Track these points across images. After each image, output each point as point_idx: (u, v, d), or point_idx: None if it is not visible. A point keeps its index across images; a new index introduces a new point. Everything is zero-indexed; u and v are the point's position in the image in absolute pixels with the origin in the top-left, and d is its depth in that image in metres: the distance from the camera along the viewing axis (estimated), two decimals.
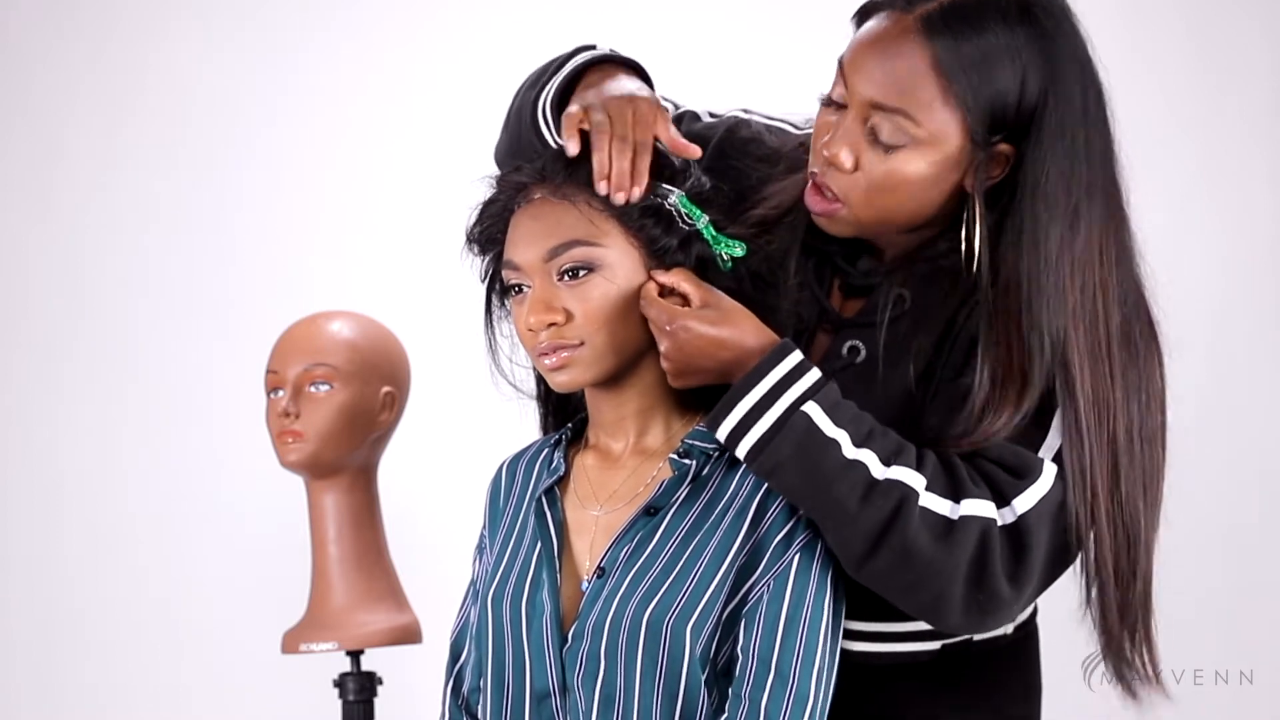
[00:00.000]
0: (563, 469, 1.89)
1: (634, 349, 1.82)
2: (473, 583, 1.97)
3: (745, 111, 2.12)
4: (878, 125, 1.82)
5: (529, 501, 1.90)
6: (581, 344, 1.80)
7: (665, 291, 1.81)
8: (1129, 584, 1.85)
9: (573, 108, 1.86)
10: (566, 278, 1.80)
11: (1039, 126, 1.81)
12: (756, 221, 1.93)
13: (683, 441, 1.84)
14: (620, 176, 1.80)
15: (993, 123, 1.80)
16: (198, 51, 3.74)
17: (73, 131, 3.75)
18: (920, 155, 1.82)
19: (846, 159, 1.84)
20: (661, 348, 1.80)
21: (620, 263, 1.81)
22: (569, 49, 2.02)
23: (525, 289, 1.83)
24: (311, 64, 3.74)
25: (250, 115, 3.73)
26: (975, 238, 1.83)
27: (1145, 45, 3.52)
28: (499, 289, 1.93)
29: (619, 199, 1.80)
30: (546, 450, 1.93)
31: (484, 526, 1.97)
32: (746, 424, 1.77)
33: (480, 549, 1.97)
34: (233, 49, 3.73)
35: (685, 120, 2.11)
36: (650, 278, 1.82)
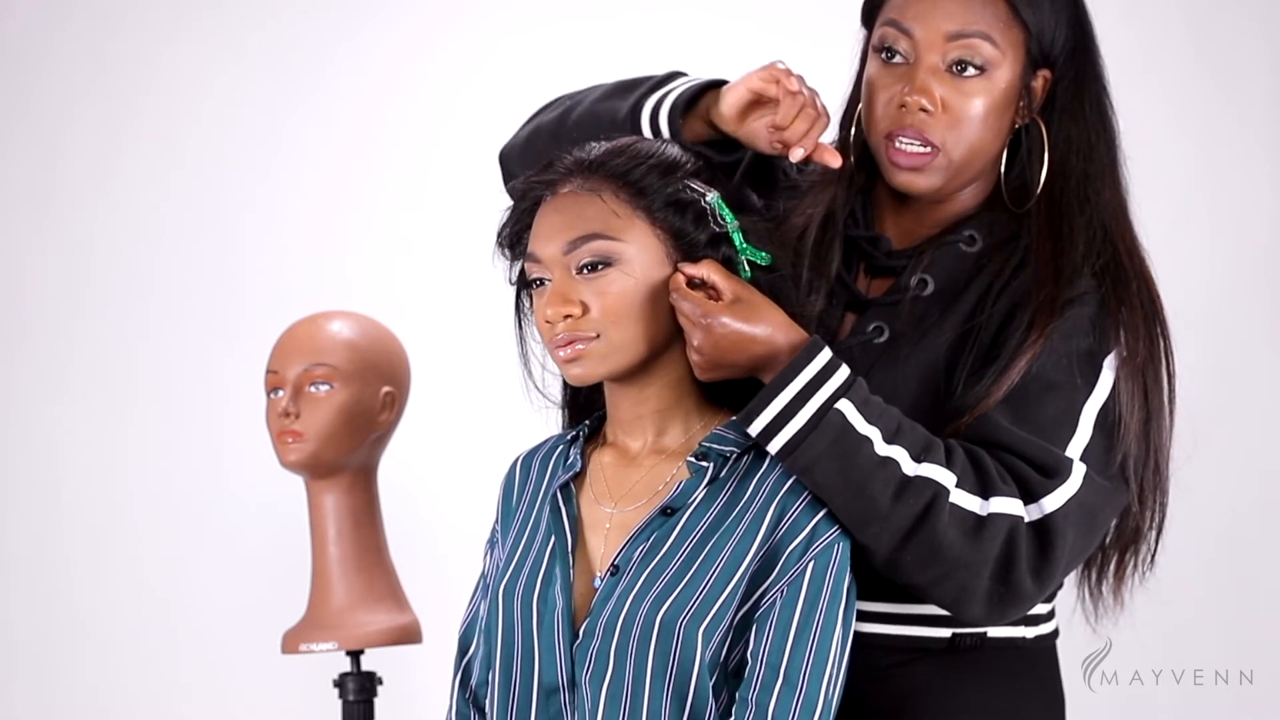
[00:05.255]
0: (579, 465, 1.88)
1: (650, 344, 1.81)
2: (483, 576, 1.96)
3: None
4: (958, 56, 1.92)
5: (544, 496, 1.89)
6: (597, 336, 1.79)
7: (693, 284, 1.81)
8: (1158, 525, 1.96)
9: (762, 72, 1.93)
10: (585, 271, 1.80)
11: (1072, 65, 1.96)
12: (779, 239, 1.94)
13: (701, 444, 1.83)
14: (796, 135, 1.90)
15: (1041, 48, 1.95)
16: (199, 52, 3.74)
17: (74, 132, 3.75)
18: (1000, 75, 1.93)
19: (935, 96, 1.92)
20: (694, 341, 1.79)
21: (639, 257, 1.80)
22: (656, 74, 2.04)
23: (546, 282, 1.82)
24: (312, 65, 3.74)
25: (251, 116, 3.73)
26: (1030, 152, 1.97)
27: (1146, 45, 3.52)
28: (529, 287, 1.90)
29: (795, 156, 1.90)
30: (563, 446, 1.92)
31: (496, 521, 1.96)
32: (780, 421, 1.77)
33: (491, 543, 1.96)
34: (233, 50, 3.73)
35: None
36: (678, 269, 1.81)
